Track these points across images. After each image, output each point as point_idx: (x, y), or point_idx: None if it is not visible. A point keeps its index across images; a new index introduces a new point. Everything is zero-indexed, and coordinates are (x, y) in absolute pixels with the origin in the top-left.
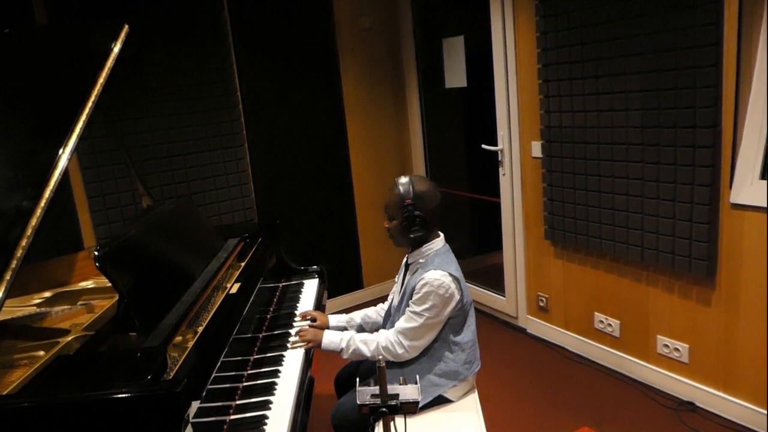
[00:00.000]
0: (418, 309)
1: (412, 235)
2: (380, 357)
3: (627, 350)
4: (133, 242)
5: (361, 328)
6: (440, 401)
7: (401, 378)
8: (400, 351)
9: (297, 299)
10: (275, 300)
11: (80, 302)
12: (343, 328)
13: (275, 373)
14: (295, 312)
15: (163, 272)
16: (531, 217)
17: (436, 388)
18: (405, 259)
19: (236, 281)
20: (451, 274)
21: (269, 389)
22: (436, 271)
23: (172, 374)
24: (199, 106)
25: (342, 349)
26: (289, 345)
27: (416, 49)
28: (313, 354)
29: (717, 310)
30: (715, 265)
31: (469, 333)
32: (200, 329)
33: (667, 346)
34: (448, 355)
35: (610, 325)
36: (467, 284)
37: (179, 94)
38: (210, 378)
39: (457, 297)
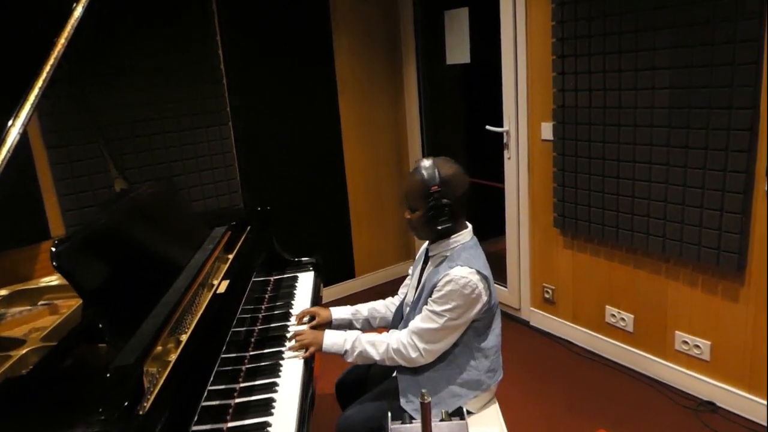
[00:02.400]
0: (438, 309)
1: (439, 227)
2: (389, 361)
3: (641, 346)
4: (100, 234)
5: (367, 323)
6: (458, 412)
7: (443, 411)
8: (413, 354)
9: (292, 296)
10: (266, 297)
11: (42, 302)
12: (348, 323)
13: (272, 387)
14: (291, 311)
15: (139, 270)
16: (538, 204)
17: (456, 400)
18: (424, 249)
19: (225, 278)
20: (479, 272)
21: (266, 407)
22: (463, 267)
23: (150, 400)
24: (179, 81)
25: (346, 351)
26: (285, 353)
27: (415, 21)
28: (315, 356)
29: (745, 306)
30: (746, 259)
31: (493, 338)
32: (184, 337)
33: (686, 342)
34: (470, 363)
35: (623, 319)
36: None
37: (157, 67)
38: (200, 404)
39: (485, 298)
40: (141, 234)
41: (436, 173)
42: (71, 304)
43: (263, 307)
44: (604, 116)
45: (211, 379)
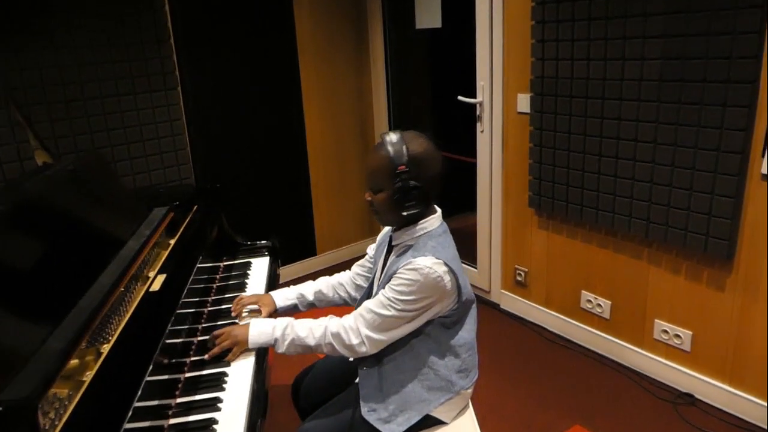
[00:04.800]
0: (393, 296)
1: (405, 213)
2: (326, 347)
3: (618, 334)
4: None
5: (312, 307)
6: (429, 423)
7: None
8: (354, 340)
9: (243, 286)
10: (214, 288)
11: None
12: (294, 307)
13: (213, 405)
14: None
15: (52, 265)
16: (512, 181)
17: (423, 405)
18: (386, 236)
19: (161, 271)
20: (446, 264)
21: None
22: (428, 257)
23: None
24: (121, 39)
25: (276, 340)
26: (206, 357)
27: None
28: (268, 354)
29: (732, 295)
30: (735, 246)
31: (465, 334)
32: (106, 348)
33: (666, 332)
34: (436, 361)
35: (599, 305)
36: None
37: (95, 22)
38: None
39: (452, 295)
40: (56, 221)
41: (405, 150)
42: None
43: (210, 300)
44: (587, 88)
45: (134, 403)
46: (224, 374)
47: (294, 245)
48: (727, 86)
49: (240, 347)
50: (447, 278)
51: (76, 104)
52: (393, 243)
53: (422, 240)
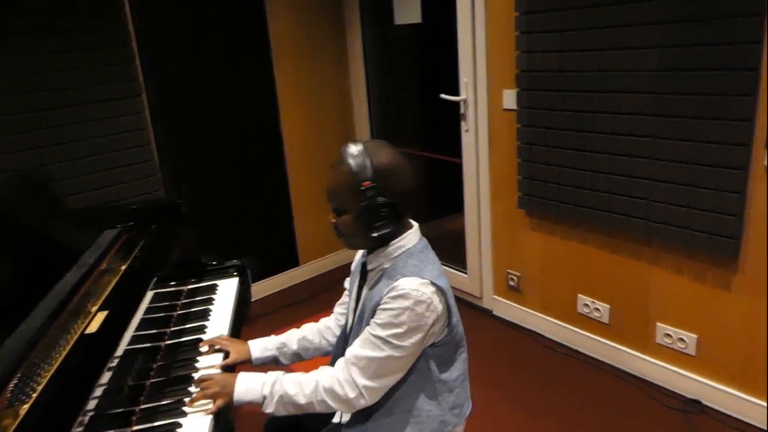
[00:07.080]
0: (383, 333)
1: (375, 234)
2: (318, 405)
3: (619, 339)
4: None
5: (297, 358)
6: None
7: None
8: (351, 394)
9: (206, 314)
10: (174, 317)
11: None
12: (273, 359)
13: None
14: (204, 337)
15: None
16: (500, 181)
17: None
18: (360, 260)
19: (102, 307)
20: (433, 284)
21: None
22: (412, 279)
23: None
24: (78, 45)
25: (265, 398)
26: (186, 407)
27: None
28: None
29: (738, 295)
30: (740, 243)
31: (459, 365)
32: (24, 409)
33: (669, 335)
34: (430, 401)
35: (597, 309)
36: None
37: (50, 29)
38: None
39: (443, 317)
40: None
41: (368, 163)
42: None
43: (168, 331)
44: (578, 81)
45: None
46: (177, 426)
47: (275, 256)
48: (731, 74)
49: (223, 400)
50: (436, 299)
51: (34, 116)
52: (368, 268)
53: (401, 260)
